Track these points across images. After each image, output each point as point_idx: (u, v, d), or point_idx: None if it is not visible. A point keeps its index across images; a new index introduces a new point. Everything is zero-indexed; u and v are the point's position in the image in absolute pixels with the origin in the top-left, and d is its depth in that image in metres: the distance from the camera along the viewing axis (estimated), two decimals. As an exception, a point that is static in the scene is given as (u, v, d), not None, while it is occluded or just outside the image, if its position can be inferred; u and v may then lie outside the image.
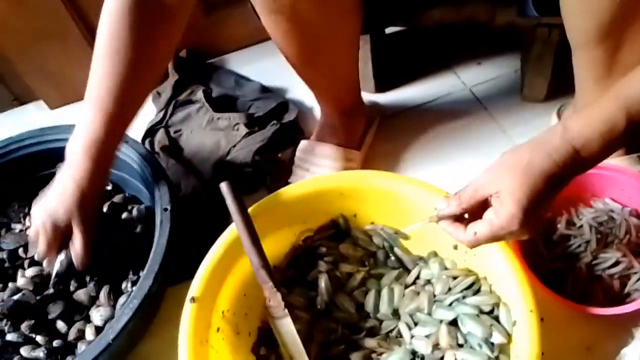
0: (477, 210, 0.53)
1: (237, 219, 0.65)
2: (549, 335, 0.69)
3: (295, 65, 0.76)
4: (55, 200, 0.66)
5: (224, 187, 0.65)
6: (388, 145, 0.98)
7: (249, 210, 0.68)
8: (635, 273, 0.68)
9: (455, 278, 0.68)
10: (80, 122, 0.67)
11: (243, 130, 0.94)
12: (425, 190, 0.67)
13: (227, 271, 0.68)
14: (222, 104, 1.01)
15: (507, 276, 0.61)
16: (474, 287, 0.66)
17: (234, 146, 0.92)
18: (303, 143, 0.90)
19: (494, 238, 0.52)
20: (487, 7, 0.84)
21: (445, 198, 0.55)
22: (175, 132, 0.99)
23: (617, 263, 0.68)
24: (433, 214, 0.56)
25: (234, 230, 0.67)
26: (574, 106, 0.82)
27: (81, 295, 0.72)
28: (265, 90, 1.04)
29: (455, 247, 0.69)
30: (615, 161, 0.76)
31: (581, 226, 0.72)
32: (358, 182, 0.71)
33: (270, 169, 0.89)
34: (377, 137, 0.98)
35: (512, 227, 0.50)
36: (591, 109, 0.51)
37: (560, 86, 0.92)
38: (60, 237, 0.67)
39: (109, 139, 0.66)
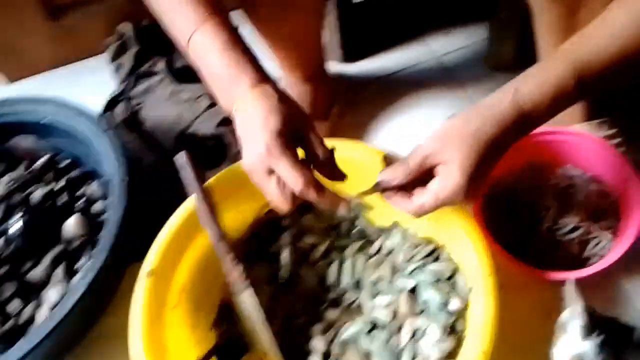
0: (423, 177, 0.52)
1: (195, 188, 0.63)
2: (509, 302, 0.69)
3: (260, 28, 0.74)
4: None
5: (179, 158, 0.63)
6: (356, 116, 0.96)
7: (209, 182, 0.67)
8: (595, 238, 0.68)
9: (416, 247, 0.68)
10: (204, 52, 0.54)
11: (206, 101, 0.91)
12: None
13: (186, 245, 0.66)
14: (186, 75, 0.98)
15: (465, 243, 0.60)
16: (434, 255, 0.66)
17: (197, 118, 0.90)
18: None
19: (440, 207, 0.51)
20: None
21: (392, 168, 0.53)
22: (137, 104, 0.96)
23: (576, 228, 0.68)
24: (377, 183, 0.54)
25: (190, 204, 0.65)
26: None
27: (36, 274, 0.70)
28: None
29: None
30: (577, 127, 0.76)
31: (542, 192, 0.72)
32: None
33: (233, 141, 0.87)
34: (345, 108, 0.97)
35: (458, 197, 0.50)
36: (542, 71, 0.50)
37: (529, 55, 0.91)
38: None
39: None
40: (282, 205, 0.53)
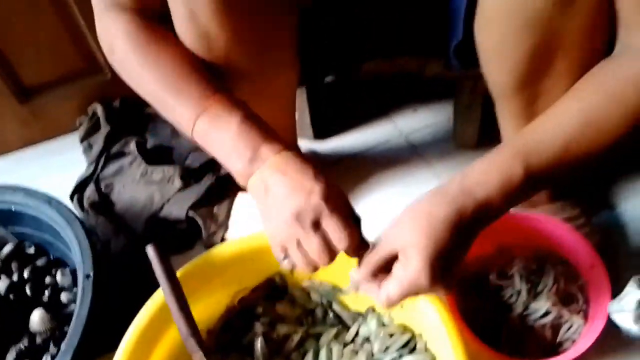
0: (389, 265, 0.52)
1: (164, 284, 0.62)
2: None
3: None
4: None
5: (149, 250, 0.62)
6: (328, 194, 0.97)
7: (180, 271, 0.66)
8: (566, 322, 0.69)
9: (392, 335, 0.68)
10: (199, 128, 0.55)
11: (178, 183, 0.91)
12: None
13: (155, 341, 0.64)
14: (157, 155, 0.98)
15: (441, 333, 0.60)
16: (410, 345, 0.66)
17: (168, 200, 0.89)
18: (240, 196, 0.88)
19: (407, 294, 0.51)
20: (418, 59, 0.86)
21: (360, 265, 0.54)
22: (107, 186, 0.95)
23: (547, 313, 0.69)
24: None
25: (161, 296, 0.64)
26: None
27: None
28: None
29: None
30: (541, 209, 0.79)
31: (512, 276, 0.73)
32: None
33: (205, 224, 0.86)
34: (317, 186, 0.98)
35: (421, 281, 0.49)
36: (490, 157, 0.52)
37: (492, 132, 0.95)
38: None
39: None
40: (316, 260, 0.52)
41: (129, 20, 0.58)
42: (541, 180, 0.52)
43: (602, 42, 0.56)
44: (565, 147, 0.51)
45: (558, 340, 0.69)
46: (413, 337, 0.67)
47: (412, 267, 0.49)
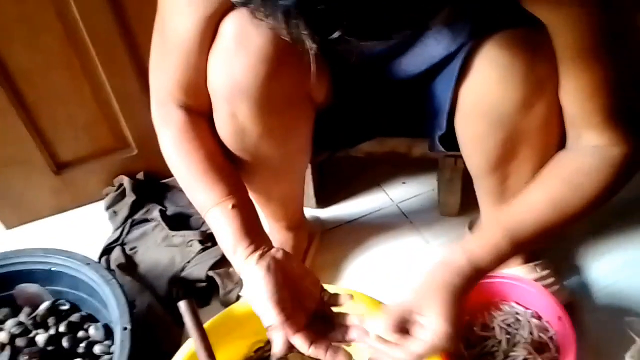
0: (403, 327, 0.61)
1: (195, 335, 0.71)
2: None
3: (251, 190, 0.87)
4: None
5: (182, 305, 0.72)
6: (329, 256, 1.09)
7: (205, 325, 0.76)
8: (540, 369, 0.80)
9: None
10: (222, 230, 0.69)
11: (197, 246, 1.03)
12: (362, 300, 0.77)
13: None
14: (177, 221, 1.10)
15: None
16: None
17: (189, 262, 1.00)
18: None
19: (428, 355, 0.59)
20: (406, 142, 1.01)
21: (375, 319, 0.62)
22: (131, 249, 1.06)
23: (524, 360, 0.80)
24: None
25: (191, 346, 0.73)
26: (480, 222, 0.99)
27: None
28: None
29: None
30: (515, 270, 0.91)
31: (494, 328, 0.84)
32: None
33: (223, 283, 0.97)
34: (319, 249, 1.10)
35: (446, 344, 0.58)
36: (485, 235, 0.66)
37: (471, 202, 1.09)
38: None
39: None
40: None
41: (178, 116, 0.71)
42: (520, 249, 0.66)
43: (557, 136, 0.71)
44: (539, 227, 0.65)
45: (534, 386, 0.79)
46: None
47: (441, 330, 0.58)
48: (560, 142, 0.71)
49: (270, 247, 0.68)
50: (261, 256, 0.66)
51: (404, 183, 1.24)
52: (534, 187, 0.68)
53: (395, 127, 0.92)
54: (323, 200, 1.19)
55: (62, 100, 1.05)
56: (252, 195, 0.88)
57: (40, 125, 1.07)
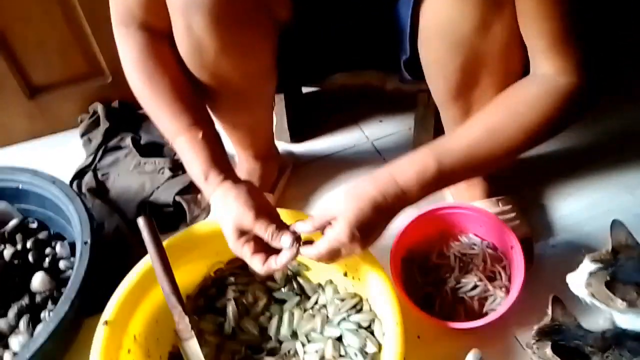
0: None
1: (151, 250, 0.73)
2: (424, 349, 0.82)
3: (219, 118, 0.88)
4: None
5: (140, 221, 0.74)
6: (299, 190, 1.10)
7: (165, 242, 0.77)
8: (491, 295, 0.82)
9: (343, 300, 0.80)
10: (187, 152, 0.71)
11: (168, 173, 1.03)
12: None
13: (141, 298, 0.75)
14: (150, 150, 1.11)
15: (381, 297, 0.72)
16: (357, 307, 0.78)
17: (158, 188, 1.01)
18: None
19: (333, 250, 0.65)
20: (379, 75, 1.00)
21: (303, 222, 0.68)
22: (103, 175, 1.07)
23: (475, 286, 0.82)
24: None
25: (148, 261, 0.75)
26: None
27: (3, 323, 0.77)
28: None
29: (345, 274, 0.81)
30: (478, 203, 0.92)
31: (449, 256, 0.86)
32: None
33: (190, 208, 0.98)
34: (290, 183, 1.10)
35: (343, 240, 0.63)
36: (412, 154, 0.66)
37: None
38: None
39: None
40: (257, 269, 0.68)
41: (140, 38, 0.71)
42: (450, 176, 0.66)
43: (518, 65, 0.69)
44: (470, 150, 0.65)
45: (485, 310, 0.81)
46: (360, 301, 0.79)
47: (338, 229, 0.63)
48: (522, 72, 0.70)
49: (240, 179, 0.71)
50: (235, 182, 0.69)
51: (380, 121, 1.24)
52: (477, 114, 0.67)
53: (364, 55, 0.91)
54: (298, 135, 1.19)
55: (32, 22, 1.04)
56: (218, 122, 0.89)
57: (12, 48, 1.06)
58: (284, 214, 0.78)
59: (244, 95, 0.81)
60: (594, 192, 1.02)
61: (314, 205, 1.07)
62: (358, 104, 1.26)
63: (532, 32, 0.63)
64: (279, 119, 1.15)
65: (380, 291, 0.73)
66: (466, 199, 0.94)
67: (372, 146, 1.18)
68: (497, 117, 0.66)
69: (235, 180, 0.70)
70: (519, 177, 1.04)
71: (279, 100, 1.11)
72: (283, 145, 1.17)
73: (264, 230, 0.65)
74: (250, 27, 0.71)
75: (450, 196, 0.99)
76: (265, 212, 0.67)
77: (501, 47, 0.67)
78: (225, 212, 0.67)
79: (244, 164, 0.99)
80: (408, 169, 0.65)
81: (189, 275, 0.83)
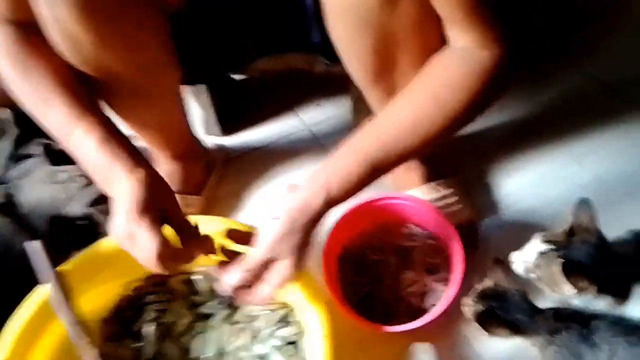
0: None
1: (45, 277, 0.65)
2: (368, 354, 0.76)
3: (121, 116, 0.78)
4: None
5: (29, 246, 0.66)
6: (233, 186, 1.02)
7: (68, 263, 0.69)
8: (431, 290, 0.76)
9: (273, 311, 0.73)
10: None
11: (82, 181, 0.94)
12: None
13: (39, 332, 0.67)
14: (64, 157, 1.01)
15: (308, 307, 0.67)
16: (286, 319, 0.72)
17: (70, 199, 0.92)
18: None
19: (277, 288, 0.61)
20: (304, 57, 0.91)
21: (234, 270, 0.61)
22: (12, 187, 0.97)
23: (414, 282, 0.76)
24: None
25: (45, 290, 0.67)
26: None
27: None
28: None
29: None
30: (416, 189, 0.86)
31: (387, 251, 0.79)
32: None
33: (104, 220, 0.89)
34: (223, 179, 1.03)
35: (290, 280, 0.60)
36: (340, 165, 0.60)
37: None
38: None
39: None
40: (153, 268, 0.58)
41: (6, 33, 0.62)
42: (379, 173, 0.61)
43: (435, 41, 0.61)
44: (401, 148, 0.60)
45: (424, 306, 0.75)
46: (288, 312, 0.73)
47: (288, 275, 0.60)
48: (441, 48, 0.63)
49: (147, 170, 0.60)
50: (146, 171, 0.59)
51: (318, 105, 1.16)
52: (399, 102, 0.61)
53: (279, 39, 0.82)
54: (228, 127, 1.10)
55: None
56: (125, 122, 0.80)
57: None
58: (208, 221, 0.72)
59: (140, 91, 0.72)
60: (540, 165, 0.97)
61: (249, 203, 1.00)
62: (293, 89, 1.18)
63: (446, 2, 0.56)
64: (206, 111, 1.06)
65: (308, 301, 0.67)
66: (404, 185, 0.88)
67: (310, 133, 1.11)
68: (421, 106, 0.60)
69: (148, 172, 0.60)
70: (461, 155, 0.98)
71: (202, 92, 1.02)
72: (214, 139, 1.09)
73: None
74: (129, 16, 0.62)
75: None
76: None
77: (413, 22, 0.60)
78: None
79: (163, 166, 0.91)
80: (338, 181, 0.60)
81: (101, 298, 0.75)
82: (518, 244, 0.79)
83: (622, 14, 1.25)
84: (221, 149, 1.06)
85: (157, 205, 0.58)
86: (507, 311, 0.63)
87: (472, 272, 0.81)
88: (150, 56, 0.69)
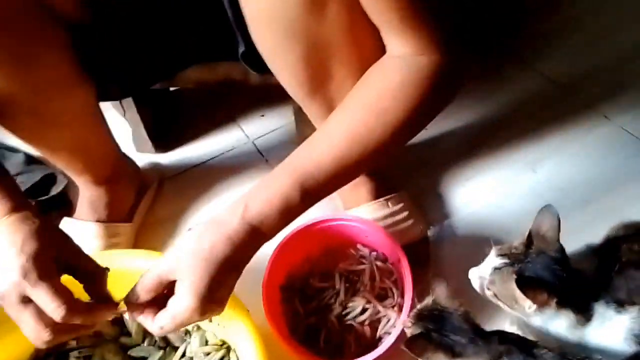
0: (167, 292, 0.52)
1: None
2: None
3: (25, 139, 0.69)
4: None
5: None
6: (169, 209, 0.94)
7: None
8: (384, 317, 0.70)
9: (209, 354, 0.66)
10: None
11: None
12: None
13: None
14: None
15: (246, 345, 0.60)
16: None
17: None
18: (64, 222, 0.83)
19: (180, 327, 0.52)
20: (239, 67, 0.84)
21: (133, 288, 0.53)
22: None
23: (364, 310, 0.70)
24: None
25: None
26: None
27: None
28: (30, 161, 0.96)
29: (210, 320, 0.68)
30: (364, 207, 0.80)
31: (333, 277, 0.73)
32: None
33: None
34: (157, 201, 0.94)
35: (193, 318, 0.50)
36: (269, 186, 0.53)
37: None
38: None
39: None
40: (40, 336, 0.49)
41: None
42: (317, 197, 0.54)
43: (372, 50, 0.56)
44: (337, 165, 0.53)
45: (377, 335, 0.69)
46: (227, 352, 0.66)
47: (185, 305, 0.49)
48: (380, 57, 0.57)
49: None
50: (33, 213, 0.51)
51: (262, 116, 1.09)
52: (335, 116, 0.55)
53: (203, 47, 0.75)
54: (163, 143, 1.02)
55: None
56: (30, 146, 0.71)
57: None
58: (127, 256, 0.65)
59: (41, 112, 0.64)
60: (494, 172, 0.93)
61: (188, 226, 0.91)
62: (236, 99, 1.10)
63: (379, 7, 0.51)
64: (136, 128, 0.97)
65: (244, 339, 0.60)
66: (352, 202, 0.81)
67: (253, 146, 1.03)
68: (360, 120, 0.54)
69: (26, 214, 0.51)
70: (411, 167, 0.93)
71: (130, 107, 0.93)
72: (147, 157, 1.00)
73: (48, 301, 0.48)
74: (16, 30, 0.54)
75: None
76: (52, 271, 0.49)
77: (345, 31, 0.54)
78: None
79: (85, 193, 0.82)
80: (269, 209, 0.52)
81: (17, 346, 0.66)
82: (472, 258, 0.74)
83: (563, 8, 1.23)
84: (155, 168, 0.98)
85: (56, 253, 0.50)
86: (444, 333, 0.56)
87: (425, 291, 0.77)
88: (48, 74, 0.60)
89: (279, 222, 0.52)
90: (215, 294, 0.50)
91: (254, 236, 0.51)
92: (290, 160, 0.54)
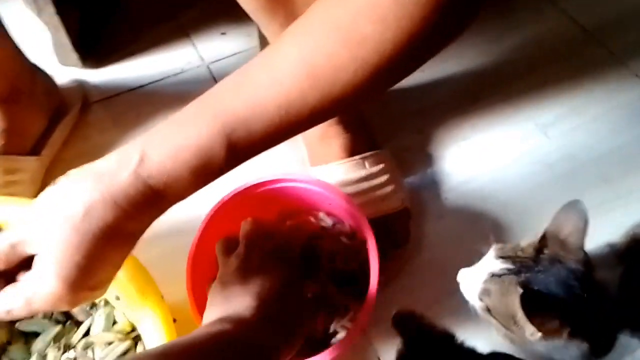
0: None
1: None
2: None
3: None
4: None
5: None
6: (95, 140, 0.76)
7: None
8: (342, 306, 0.56)
9: (111, 343, 0.52)
10: None
11: None
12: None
13: None
14: None
15: (157, 337, 0.47)
16: (128, 354, 0.51)
17: None
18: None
19: (36, 313, 0.43)
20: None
21: None
22: None
23: (322, 298, 0.55)
24: None
25: None
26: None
27: None
28: None
29: (118, 298, 0.53)
30: (335, 164, 0.63)
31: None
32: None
33: None
34: (79, 131, 0.76)
35: (58, 307, 0.37)
36: (180, 130, 0.36)
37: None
38: None
39: None
40: None
41: None
42: (249, 154, 0.37)
43: None
44: (283, 111, 0.36)
45: (331, 330, 0.55)
46: (134, 345, 0.52)
47: (46, 291, 0.36)
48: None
49: None
50: None
51: (223, 34, 0.88)
52: (287, 39, 0.37)
53: None
54: (93, 57, 0.81)
55: None
56: None
57: None
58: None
59: None
60: (496, 132, 0.76)
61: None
62: (192, 10, 0.89)
63: None
64: (55, 33, 0.76)
65: (156, 329, 0.47)
66: (320, 158, 0.65)
67: (207, 71, 0.84)
68: (324, 48, 0.35)
69: None
70: (394, 118, 0.76)
71: (44, 5, 0.72)
72: (71, 72, 0.80)
73: None
74: None
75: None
76: None
77: None
78: None
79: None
80: (178, 165, 0.35)
81: None
82: (462, 242, 0.60)
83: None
84: (79, 88, 0.78)
85: None
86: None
87: (399, 276, 0.63)
88: None
89: (189, 185, 0.36)
90: (90, 277, 0.36)
91: (151, 200, 0.36)
92: (215, 98, 0.37)
